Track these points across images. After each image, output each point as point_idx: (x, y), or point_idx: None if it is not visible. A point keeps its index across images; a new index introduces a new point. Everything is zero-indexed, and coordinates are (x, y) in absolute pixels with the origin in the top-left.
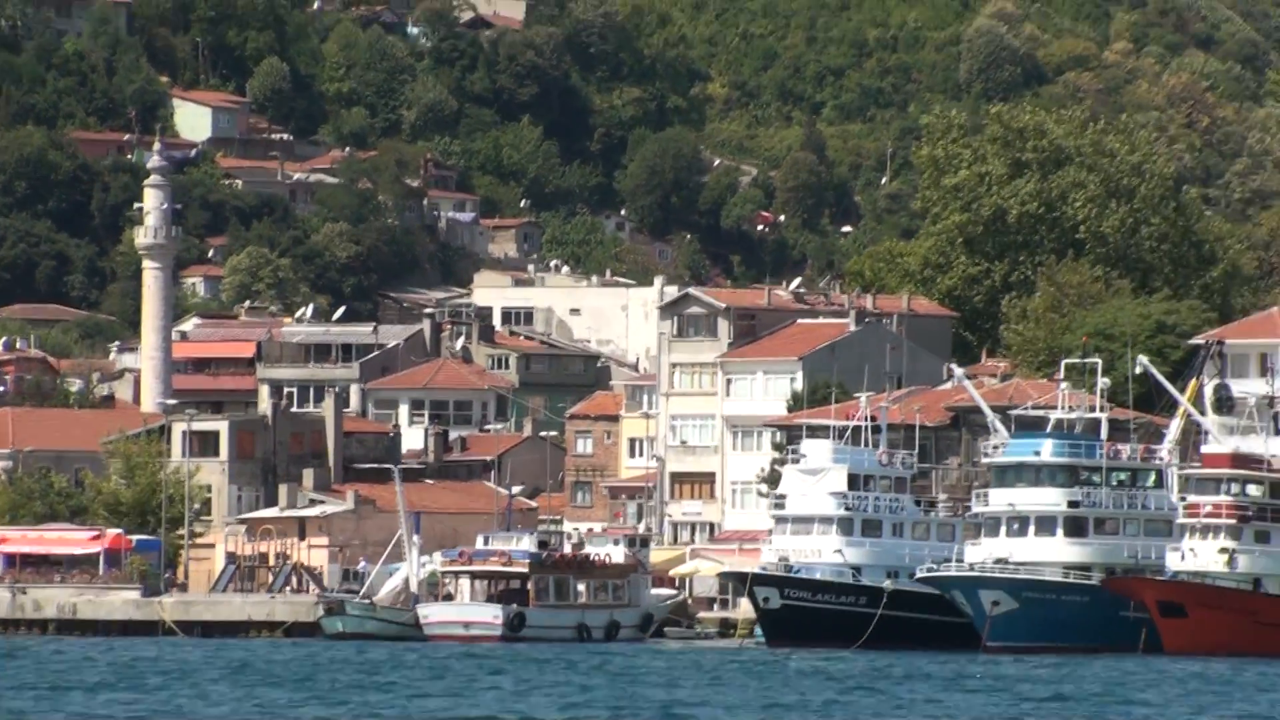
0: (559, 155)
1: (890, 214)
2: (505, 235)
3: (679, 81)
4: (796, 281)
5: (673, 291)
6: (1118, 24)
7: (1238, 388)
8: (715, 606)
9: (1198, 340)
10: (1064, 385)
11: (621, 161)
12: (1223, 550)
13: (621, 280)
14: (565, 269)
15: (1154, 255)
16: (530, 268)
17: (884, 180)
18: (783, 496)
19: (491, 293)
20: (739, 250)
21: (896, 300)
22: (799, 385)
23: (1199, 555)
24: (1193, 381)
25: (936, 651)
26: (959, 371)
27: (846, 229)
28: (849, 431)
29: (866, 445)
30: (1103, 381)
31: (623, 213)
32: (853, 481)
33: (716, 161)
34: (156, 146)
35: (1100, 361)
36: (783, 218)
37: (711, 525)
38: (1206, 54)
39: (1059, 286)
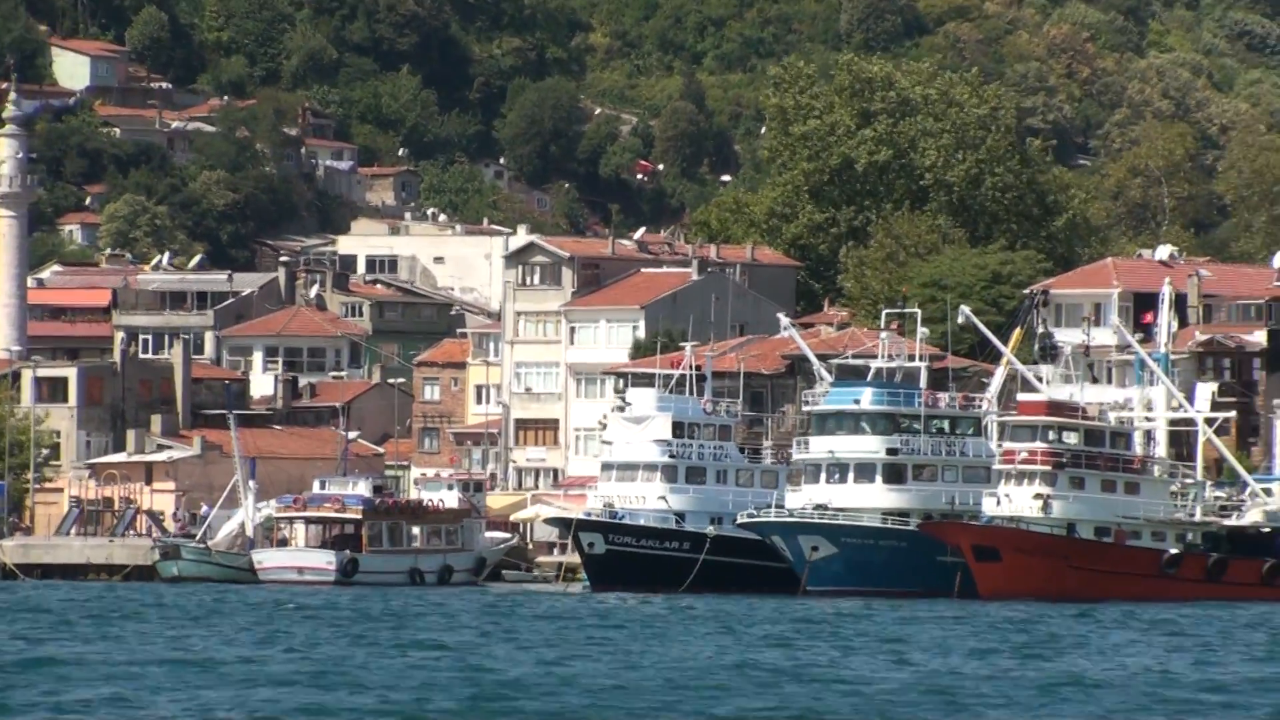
0: (438, 104)
1: (770, 163)
2: (383, 183)
3: (559, 31)
4: (641, 231)
5: (519, 240)
6: None
7: (1072, 337)
8: (555, 551)
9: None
10: (884, 335)
11: (501, 111)
12: (1037, 496)
13: (494, 228)
14: (442, 217)
15: (998, 205)
16: (407, 216)
17: (763, 130)
18: (609, 444)
19: (356, 241)
20: (618, 199)
21: (741, 250)
22: (641, 334)
23: (1014, 501)
24: (1016, 331)
25: (758, 595)
26: (785, 320)
27: (726, 178)
28: (674, 380)
29: (691, 394)
30: (922, 331)
31: (501, 161)
32: (677, 429)
33: (597, 111)
34: (13, 96)
35: (919, 311)
36: (661, 167)
37: (555, 471)
38: (1088, 5)
39: (895, 237)
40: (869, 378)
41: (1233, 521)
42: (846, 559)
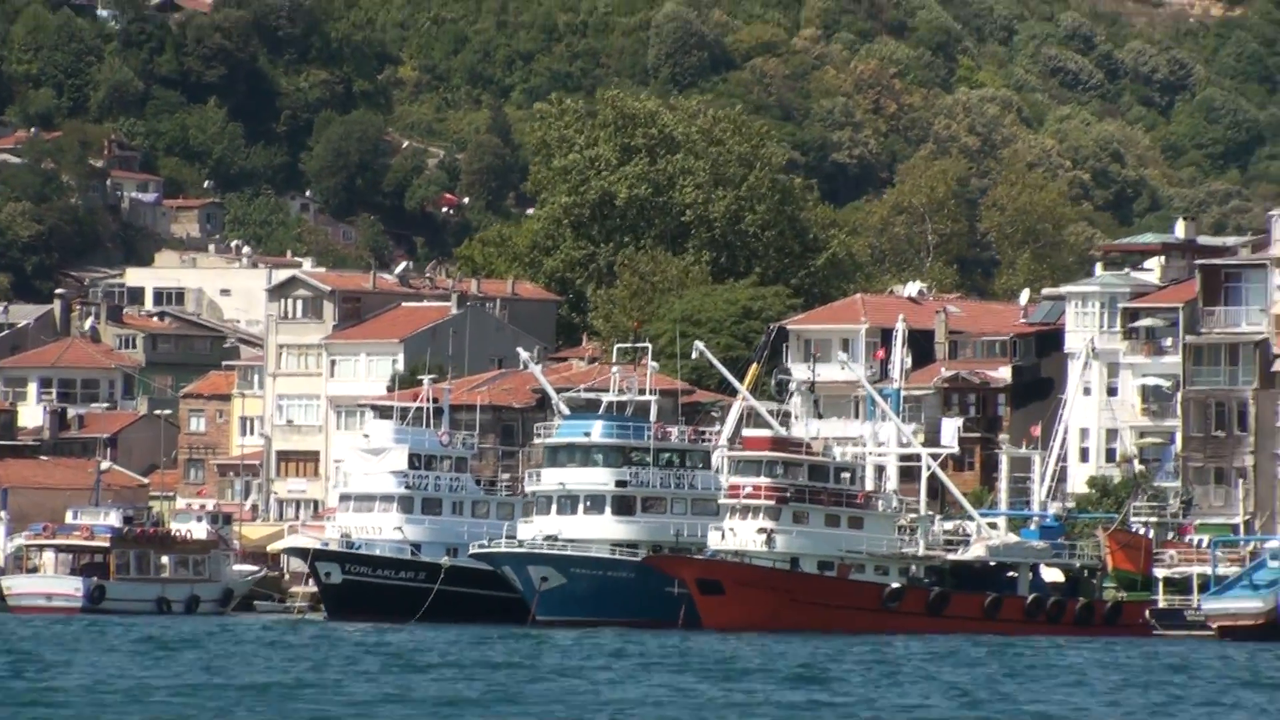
0: (244, 137)
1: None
2: (188, 215)
3: (366, 65)
4: (403, 266)
5: (283, 275)
6: (808, 10)
7: (820, 372)
8: (309, 581)
9: (787, 325)
10: (615, 369)
11: (307, 143)
12: (761, 530)
13: (293, 260)
14: (246, 249)
15: (758, 243)
16: (211, 248)
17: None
18: (347, 475)
19: (146, 273)
20: (422, 232)
21: (502, 284)
22: (401, 367)
23: (739, 535)
24: (753, 366)
25: (489, 625)
26: (525, 355)
27: (530, 211)
28: (411, 413)
29: (429, 426)
30: (652, 365)
31: (307, 194)
32: (414, 461)
33: (405, 144)
34: None
35: (650, 346)
36: (467, 200)
37: (315, 502)
38: (897, 41)
39: (641, 275)
40: (600, 411)
41: (957, 556)
42: (575, 589)
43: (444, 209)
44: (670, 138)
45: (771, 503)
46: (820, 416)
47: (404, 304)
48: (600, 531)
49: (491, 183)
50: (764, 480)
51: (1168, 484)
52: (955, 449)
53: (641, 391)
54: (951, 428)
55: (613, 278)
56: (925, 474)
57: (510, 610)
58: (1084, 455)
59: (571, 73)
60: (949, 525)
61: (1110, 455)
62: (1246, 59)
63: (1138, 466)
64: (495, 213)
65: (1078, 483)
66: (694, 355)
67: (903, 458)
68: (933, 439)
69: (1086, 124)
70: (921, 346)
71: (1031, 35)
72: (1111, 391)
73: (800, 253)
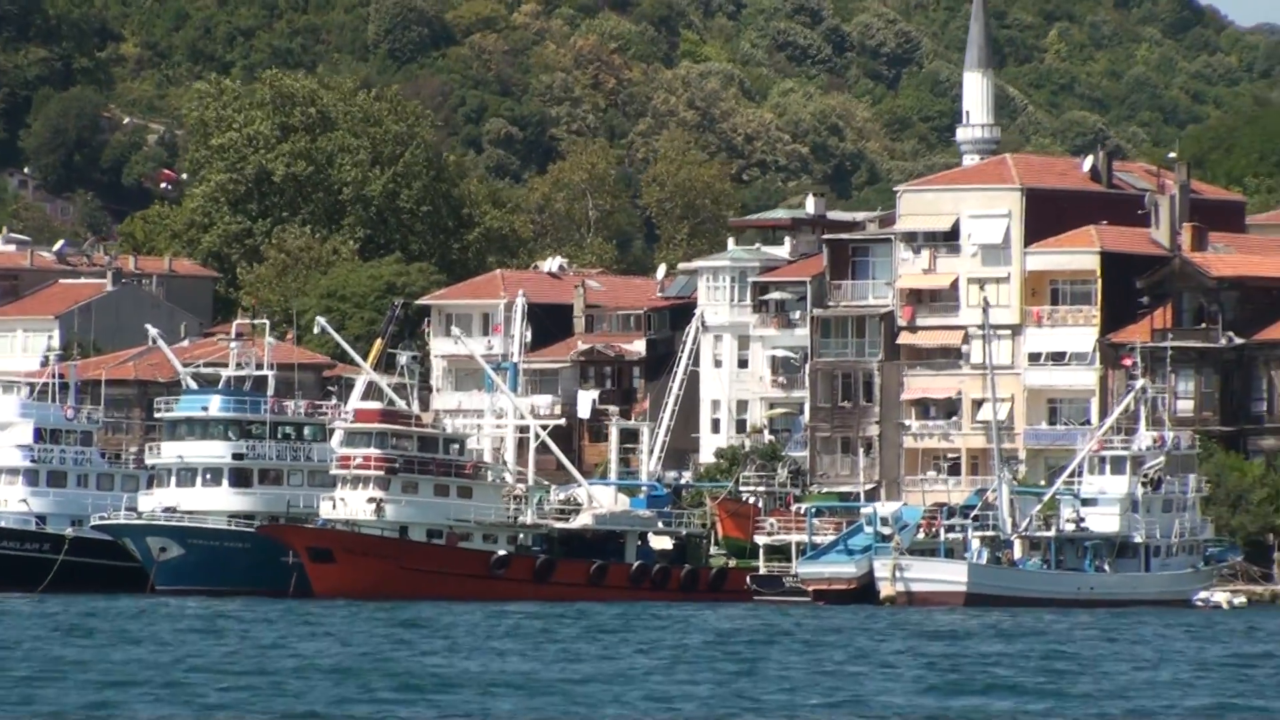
0: None
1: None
2: None
3: (86, 42)
4: (60, 244)
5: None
6: None
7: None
8: None
9: (428, 301)
10: (234, 344)
11: (26, 121)
12: (371, 500)
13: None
14: None
15: (413, 219)
16: None
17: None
18: None
19: None
20: (140, 207)
21: (160, 261)
22: (56, 343)
23: (349, 504)
24: (378, 341)
25: (114, 595)
26: (154, 331)
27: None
28: (38, 388)
29: (55, 401)
30: (269, 340)
31: (26, 170)
32: (39, 435)
33: (126, 120)
34: None
35: (268, 322)
36: (184, 176)
37: None
38: (620, 16)
39: (287, 252)
40: (219, 385)
41: (565, 524)
42: (192, 559)
43: (162, 184)
44: (327, 116)
45: (381, 473)
46: (432, 390)
47: (61, 281)
48: (218, 503)
49: None
50: (374, 451)
51: (798, 454)
52: (561, 421)
53: (259, 366)
54: (587, 399)
55: (242, 261)
56: (533, 445)
57: (134, 580)
58: (715, 426)
59: (292, 49)
60: (562, 495)
61: (741, 426)
62: None
63: (768, 437)
64: None
65: (709, 453)
66: (316, 331)
67: (524, 429)
68: (570, 410)
69: (808, 97)
70: (561, 320)
71: (760, 9)
72: (743, 364)
73: (455, 228)
